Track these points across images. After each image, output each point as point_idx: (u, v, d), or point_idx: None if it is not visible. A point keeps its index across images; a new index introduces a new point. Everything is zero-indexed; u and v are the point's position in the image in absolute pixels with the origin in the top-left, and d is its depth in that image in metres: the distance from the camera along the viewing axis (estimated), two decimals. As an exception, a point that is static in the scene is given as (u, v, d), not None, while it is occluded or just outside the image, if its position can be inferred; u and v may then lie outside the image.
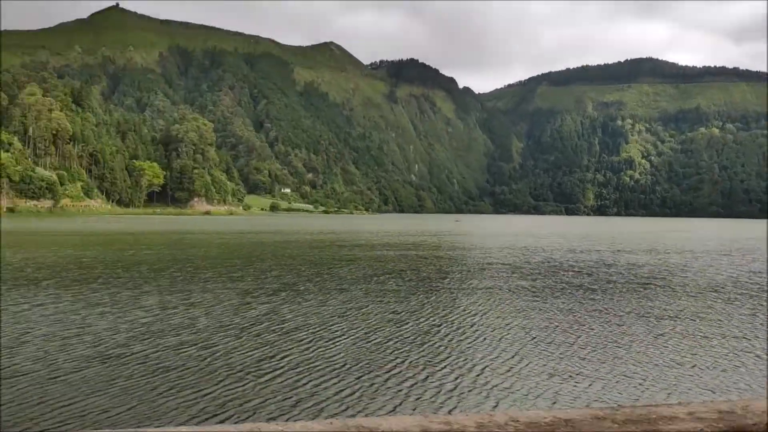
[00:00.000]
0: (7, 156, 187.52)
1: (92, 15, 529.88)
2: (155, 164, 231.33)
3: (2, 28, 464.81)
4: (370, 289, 24.61)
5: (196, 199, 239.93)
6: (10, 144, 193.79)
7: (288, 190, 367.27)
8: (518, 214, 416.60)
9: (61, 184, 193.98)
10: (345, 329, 16.43)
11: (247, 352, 13.61)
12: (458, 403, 10.51)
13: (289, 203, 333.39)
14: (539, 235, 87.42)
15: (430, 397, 10.74)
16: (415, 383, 11.54)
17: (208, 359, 12.96)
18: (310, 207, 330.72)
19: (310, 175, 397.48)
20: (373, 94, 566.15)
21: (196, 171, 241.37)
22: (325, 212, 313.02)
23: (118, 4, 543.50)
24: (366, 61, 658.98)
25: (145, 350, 13.69)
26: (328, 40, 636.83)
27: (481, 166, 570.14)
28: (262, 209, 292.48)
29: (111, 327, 16.20)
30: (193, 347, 14.03)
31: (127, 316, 17.77)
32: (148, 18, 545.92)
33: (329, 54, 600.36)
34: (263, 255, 41.89)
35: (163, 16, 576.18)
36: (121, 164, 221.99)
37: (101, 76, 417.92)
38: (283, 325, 16.80)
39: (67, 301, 20.24)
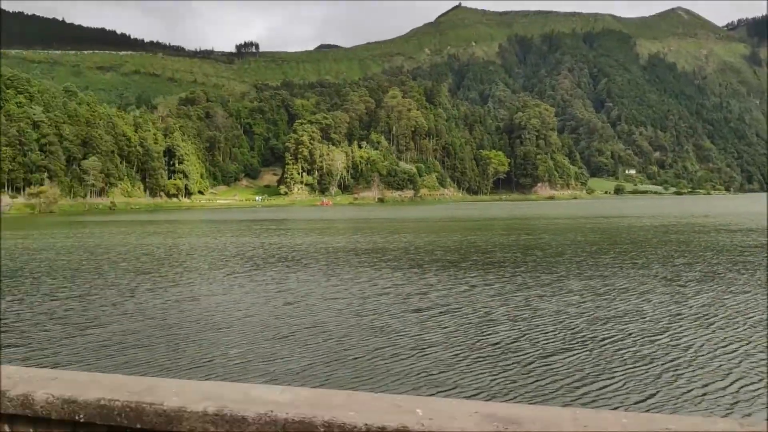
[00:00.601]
0: (376, 153, 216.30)
1: (438, 17, 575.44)
2: (500, 153, 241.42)
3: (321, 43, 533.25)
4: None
5: (539, 184, 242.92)
6: (378, 143, 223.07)
7: (633, 172, 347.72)
8: None
9: (420, 176, 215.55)
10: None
11: (726, 346, 12.44)
12: None
13: (635, 185, 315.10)
14: None
15: None
16: None
17: (687, 350, 12.17)
18: (659, 188, 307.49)
19: (657, 154, 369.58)
20: (730, 58, 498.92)
21: (539, 157, 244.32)
22: (677, 193, 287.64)
23: (460, 4, 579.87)
24: (721, 23, 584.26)
25: (614, 336, 13.53)
26: (674, 6, 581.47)
27: None
28: (605, 192, 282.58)
29: (559, 311, 16.57)
30: (663, 336, 13.40)
31: (566, 301, 18.04)
32: (488, 12, 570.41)
33: (676, 20, 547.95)
34: (649, 240, 39.53)
35: (501, 9, 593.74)
36: (470, 154, 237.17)
37: (447, 73, 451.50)
38: (752, 318, 15.10)
39: (498, 283, 21.53)
